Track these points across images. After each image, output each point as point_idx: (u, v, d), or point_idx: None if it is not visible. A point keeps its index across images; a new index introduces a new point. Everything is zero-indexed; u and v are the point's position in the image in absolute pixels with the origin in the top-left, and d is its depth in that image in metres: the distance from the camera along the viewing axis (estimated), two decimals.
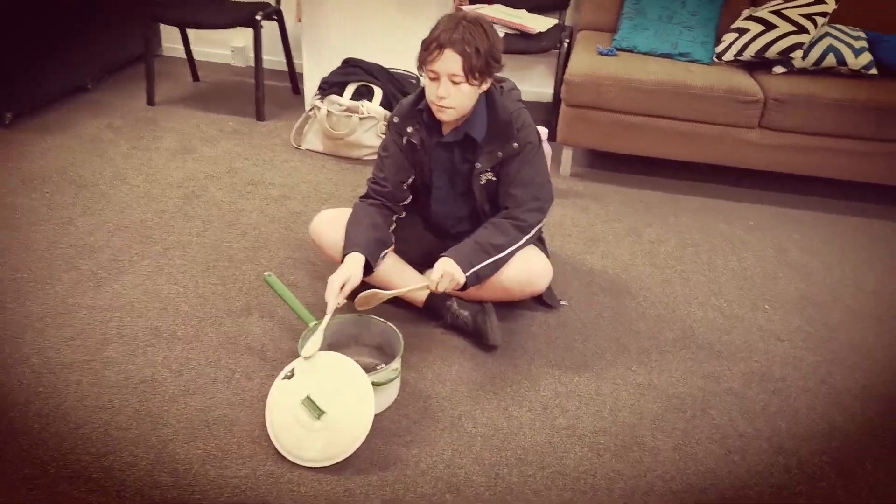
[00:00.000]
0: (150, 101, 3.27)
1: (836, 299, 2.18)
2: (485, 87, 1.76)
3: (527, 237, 1.84)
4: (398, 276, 1.90)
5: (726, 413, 1.70)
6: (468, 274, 1.74)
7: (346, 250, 1.76)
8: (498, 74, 1.85)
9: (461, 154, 1.86)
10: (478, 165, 1.83)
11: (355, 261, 1.73)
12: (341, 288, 1.67)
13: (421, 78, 1.74)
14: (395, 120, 1.88)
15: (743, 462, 1.57)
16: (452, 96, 1.70)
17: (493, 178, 1.86)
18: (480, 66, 1.68)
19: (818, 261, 2.38)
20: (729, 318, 2.06)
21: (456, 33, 1.67)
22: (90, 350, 1.77)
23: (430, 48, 1.69)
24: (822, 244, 2.48)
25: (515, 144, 1.80)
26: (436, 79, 1.70)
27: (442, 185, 1.92)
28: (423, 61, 1.71)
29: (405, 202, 1.94)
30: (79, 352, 1.77)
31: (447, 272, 1.72)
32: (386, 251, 1.85)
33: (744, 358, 1.90)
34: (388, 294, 1.78)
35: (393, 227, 1.91)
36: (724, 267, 2.31)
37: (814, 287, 2.23)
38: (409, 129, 1.85)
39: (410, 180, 1.92)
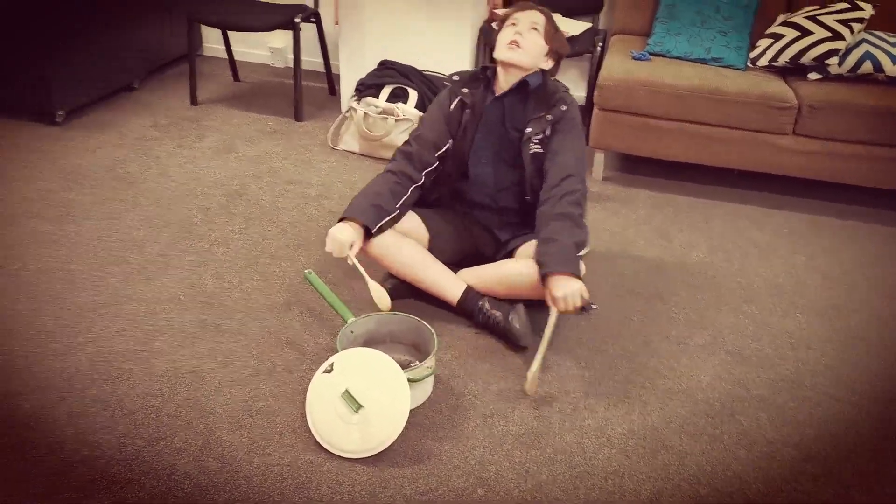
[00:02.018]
0: (193, 101, 3.38)
1: (867, 308, 2.19)
2: (547, 64, 1.98)
3: (583, 210, 1.90)
4: (423, 270, 1.98)
5: (754, 419, 1.73)
6: (579, 275, 1.77)
7: (345, 214, 1.91)
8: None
9: (511, 116, 1.97)
10: (528, 131, 1.94)
11: (353, 227, 1.88)
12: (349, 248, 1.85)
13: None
14: (455, 78, 2.03)
15: (770, 468, 1.60)
16: (526, 39, 1.90)
17: (541, 151, 1.95)
18: (554, 31, 1.96)
19: (848, 269, 2.38)
20: (759, 325, 2.08)
21: (539, 8, 1.99)
22: (141, 340, 1.87)
23: (515, 7, 1.96)
24: (853, 252, 2.48)
25: (564, 107, 1.93)
26: (515, 25, 1.93)
27: (487, 147, 2.00)
28: (503, 18, 1.96)
29: (430, 168, 2.02)
30: (130, 342, 1.86)
31: (567, 295, 1.73)
32: (386, 219, 1.93)
33: (773, 365, 1.92)
34: (538, 364, 1.74)
35: (405, 197, 1.98)
36: (755, 273, 2.33)
37: (844, 295, 2.24)
38: (465, 90, 2.00)
39: (445, 148, 2.01)
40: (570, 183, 1.89)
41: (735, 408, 1.76)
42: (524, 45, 1.90)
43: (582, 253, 1.85)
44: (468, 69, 2.11)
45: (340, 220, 1.91)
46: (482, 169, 2.03)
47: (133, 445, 1.56)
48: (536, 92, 1.96)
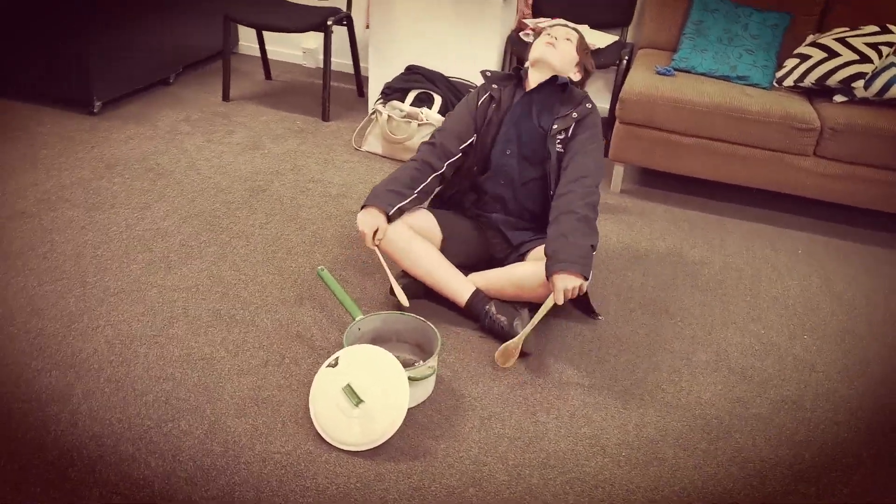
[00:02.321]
0: (226, 97, 3.48)
1: (877, 334, 2.17)
2: (577, 75, 2.14)
3: (596, 214, 1.95)
4: (434, 269, 2.03)
5: (751, 438, 1.74)
6: (587, 278, 1.84)
7: (365, 202, 2.03)
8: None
9: (539, 112, 2.07)
10: (554, 127, 2.03)
11: (374, 213, 2.01)
12: (374, 235, 2.00)
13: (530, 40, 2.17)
14: (488, 74, 2.14)
15: (762, 487, 1.61)
16: (561, 44, 2.08)
17: (562, 151, 2.04)
18: (584, 48, 2.16)
19: (863, 294, 2.37)
20: (765, 345, 2.08)
21: (572, 26, 2.23)
22: (158, 326, 1.95)
23: (551, 22, 2.13)
24: (869, 278, 2.46)
25: (588, 105, 2.06)
26: (550, 34, 2.10)
27: (513, 139, 2.09)
28: (539, 30, 2.13)
29: (452, 158, 2.12)
30: (148, 327, 1.94)
31: (568, 288, 1.81)
32: (403, 202, 2.03)
33: (775, 385, 1.92)
34: (522, 336, 1.87)
35: (425, 183, 2.08)
36: (767, 293, 2.33)
37: (855, 320, 2.23)
38: (495, 86, 2.12)
39: (469, 141, 2.12)
40: (589, 183, 1.97)
41: (732, 425, 1.77)
42: (559, 48, 2.08)
43: (595, 243, 1.91)
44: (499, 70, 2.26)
45: (362, 209, 2.03)
46: (506, 160, 2.10)
47: (142, 426, 1.63)
48: (564, 93, 2.09)
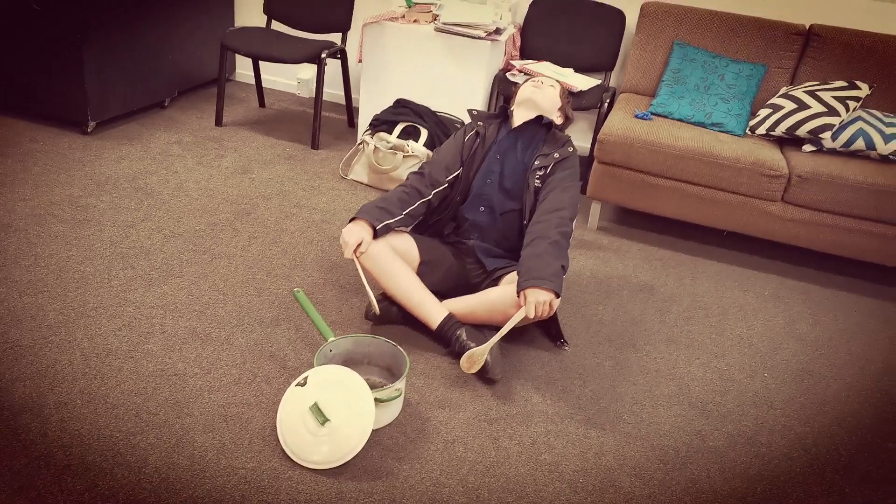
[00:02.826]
0: (219, 122, 3.56)
1: (837, 375, 2.23)
2: (559, 119, 2.31)
3: (568, 245, 2.07)
4: (409, 290, 2.10)
5: (705, 470, 1.79)
6: (559, 294, 1.92)
7: (355, 215, 2.11)
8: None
9: (523, 149, 2.20)
10: (536, 163, 2.15)
11: (362, 226, 2.07)
12: (357, 246, 2.04)
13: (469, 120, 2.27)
14: (475, 113, 2.28)
15: None
16: (546, 89, 2.29)
17: (539, 185, 2.16)
18: (566, 96, 2.37)
19: (827, 336, 2.44)
20: (726, 381, 2.14)
21: (556, 80, 2.44)
22: (134, 341, 1.99)
23: (537, 65, 2.33)
24: (833, 321, 2.53)
25: (570, 148, 2.20)
26: (536, 80, 2.33)
27: (495, 171, 2.20)
28: (526, 70, 2.34)
29: (439, 188, 2.22)
30: (124, 342, 1.98)
31: (540, 301, 1.89)
32: (390, 220, 2.10)
33: (733, 420, 1.98)
34: (489, 345, 1.96)
35: (412, 207, 2.17)
36: (732, 332, 2.39)
37: (817, 361, 2.29)
38: (481, 123, 2.26)
39: (455, 173, 2.23)
40: (564, 216, 2.07)
41: (689, 457, 1.82)
42: (544, 91, 2.27)
43: (565, 264, 2.00)
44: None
45: (351, 221, 2.10)
46: (486, 189, 2.21)
47: (111, 437, 1.66)
48: (548, 133, 2.23)
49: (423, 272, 2.19)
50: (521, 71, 3.27)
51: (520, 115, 2.26)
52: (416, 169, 3.05)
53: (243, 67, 4.23)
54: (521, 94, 2.29)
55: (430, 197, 2.20)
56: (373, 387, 1.74)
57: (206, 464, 1.63)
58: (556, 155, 2.17)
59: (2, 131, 3.17)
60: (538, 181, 2.16)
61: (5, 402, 1.72)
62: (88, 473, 1.56)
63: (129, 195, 2.78)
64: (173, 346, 1.99)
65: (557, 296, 1.90)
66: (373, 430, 1.75)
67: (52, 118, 3.31)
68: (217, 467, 1.62)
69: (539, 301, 1.88)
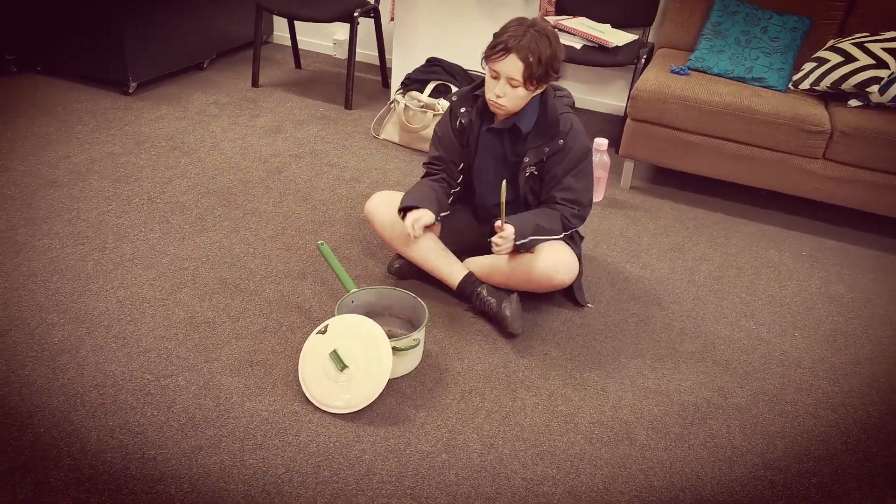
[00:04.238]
0: (255, 83, 3.61)
1: (870, 335, 2.17)
2: (538, 91, 1.93)
3: (564, 234, 2.02)
4: (432, 254, 2.10)
5: (725, 425, 1.77)
6: (518, 243, 1.92)
7: (405, 202, 1.99)
8: (556, 84, 2.02)
9: (510, 145, 2.03)
10: (525, 160, 2.00)
11: (421, 211, 1.97)
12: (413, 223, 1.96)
13: (485, 70, 1.94)
14: (454, 99, 2.08)
15: (729, 471, 1.64)
16: (508, 96, 1.88)
17: (536, 173, 2.03)
18: (539, 73, 1.85)
19: (863, 298, 2.36)
20: (754, 340, 2.10)
21: (523, 40, 1.82)
22: (167, 290, 2.07)
23: (496, 49, 1.86)
24: (871, 282, 2.45)
25: (561, 141, 1.97)
26: (496, 77, 1.88)
27: (488, 168, 2.08)
28: (487, 57, 1.88)
29: (458, 179, 2.14)
30: (158, 290, 2.06)
31: (504, 249, 1.93)
32: (444, 213, 2.06)
33: (758, 378, 1.94)
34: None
35: (451, 199, 2.12)
36: (764, 292, 2.34)
37: (850, 321, 2.23)
38: (462, 110, 2.05)
39: (462, 166, 2.11)
40: (566, 212, 2.02)
41: (709, 413, 1.81)
42: (506, 102, 1.89)
43: (542, 238, 1.96)
44: (467, 87, 2.08)
45: (403, 210, 2.00)
46: (485, 189, 2.13)
47: (143, 379, 1.74)
48: (536, 125, 1.97)
49: (443, 235, 2.18)
50: (556, 27, 3.20)
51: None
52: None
53: (280, 30, 4.26)
54: (487, 96, 1.93)
55: (458, 188, 2.16)
56: (392, 336, 1.77)
57: (231, 405, 1.69)
58: (547, 150, 1.97)
59: (48, 92, 3.29)
60: (533, 168, 2.01)
61: (46, 345, 1.82)
62: (120, 411, 1.65)
63: (166, 153, 2.86)
64: (204, 295, 2.06)
65: (516, 245, 1.92)
66: (392, 379, 1.79)
67: (94, 79, 3.40)
68: (241, 409, 1.69)
69: (504, 248, 1.92)
